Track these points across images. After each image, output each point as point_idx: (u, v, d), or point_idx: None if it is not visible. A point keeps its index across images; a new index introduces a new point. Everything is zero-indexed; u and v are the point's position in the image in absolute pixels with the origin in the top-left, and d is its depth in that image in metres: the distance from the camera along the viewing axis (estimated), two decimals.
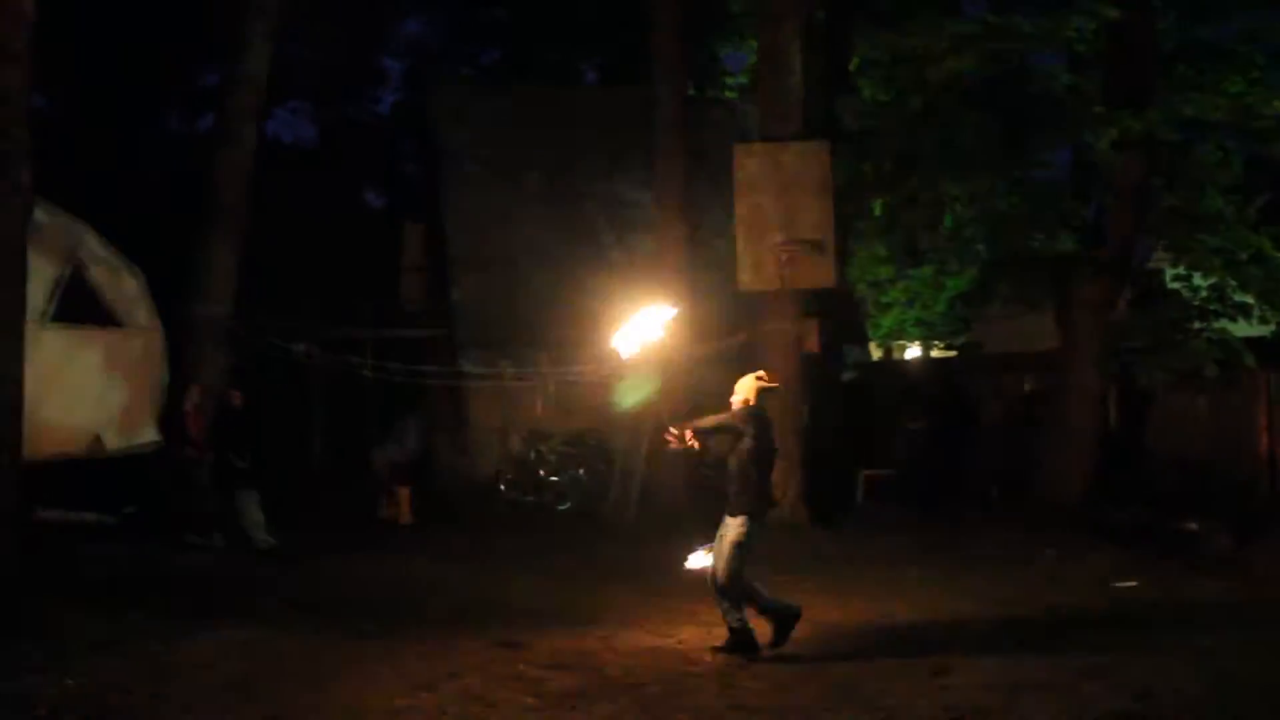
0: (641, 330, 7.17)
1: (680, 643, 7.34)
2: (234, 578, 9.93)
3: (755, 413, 7.00)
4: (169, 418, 11.69)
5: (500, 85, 19.26)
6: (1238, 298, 11.90)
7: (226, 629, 7.66)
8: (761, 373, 7.21)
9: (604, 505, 13.77)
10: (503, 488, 15.11)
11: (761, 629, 6.95)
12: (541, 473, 14.97)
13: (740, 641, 6.88)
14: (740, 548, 6.84)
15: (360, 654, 7.04)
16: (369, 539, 12.20)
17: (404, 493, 13.47)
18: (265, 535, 11.47)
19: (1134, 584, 9.09)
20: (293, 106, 25.63)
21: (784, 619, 6.96)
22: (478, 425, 16.21)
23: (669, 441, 7.20)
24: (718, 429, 7.08)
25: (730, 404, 7.10)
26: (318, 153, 26.27)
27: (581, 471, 14.93)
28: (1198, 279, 12.01)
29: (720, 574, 6.86)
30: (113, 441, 11.27)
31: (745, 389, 7.09)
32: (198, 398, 11.77)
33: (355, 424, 17.96)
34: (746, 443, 6.91)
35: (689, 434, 7.06)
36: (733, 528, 6.90)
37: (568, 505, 14.48)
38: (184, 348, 12.50)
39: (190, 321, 12.59)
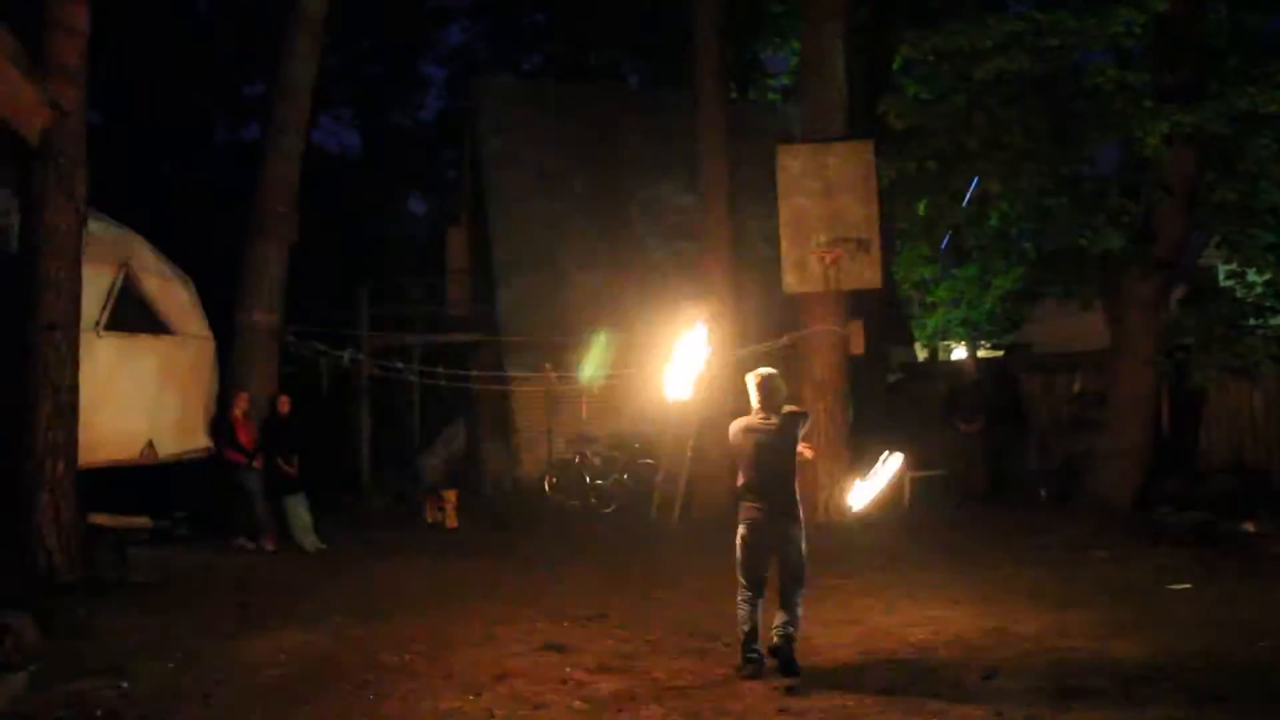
0: (686, 364, 6.91)
1: (727, 645, 7.31)
2: (283, 581, 10.05)
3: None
4: (219, 424, 11.85)
5: (543, 89, 19.31)
6: None
7: (276, 633, 7.75)
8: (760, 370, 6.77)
9: (649, 508, 13.77)
10: (548, 491, 15.18)
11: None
12: (587, 476, 15.01)
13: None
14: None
15: (408, 656, 7.10)
16: (416, 543, 12.30)
17: (450, 497, 13.57)
18: (314, 539, 11.62)
19: (1188, 586, 8.91)
20: (337, 114, 25.93)
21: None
22: (523, 429, 16.30)
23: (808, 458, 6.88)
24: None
25: (782, 407, 6.67)
26: (362, 160, 26.55)
27: (626, 475, 14.96)
28: (1252, 275, 11.78)
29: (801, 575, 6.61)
30: (165, 448, 11.44)
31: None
32: (246, 404, 11.93)
33: (402, 429, 18.15)
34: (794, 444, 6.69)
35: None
36: (800, 532, 6.60)
37: (613, 508, 14.51)
38: (233, 355, 12.67)
39: (239, 329, 12.76)
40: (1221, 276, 12.97)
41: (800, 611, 6.60)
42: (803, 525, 6.65)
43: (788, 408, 6.71)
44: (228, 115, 24.39)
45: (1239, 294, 11.81)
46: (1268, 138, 11.55)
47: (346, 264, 20.78)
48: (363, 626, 8.02)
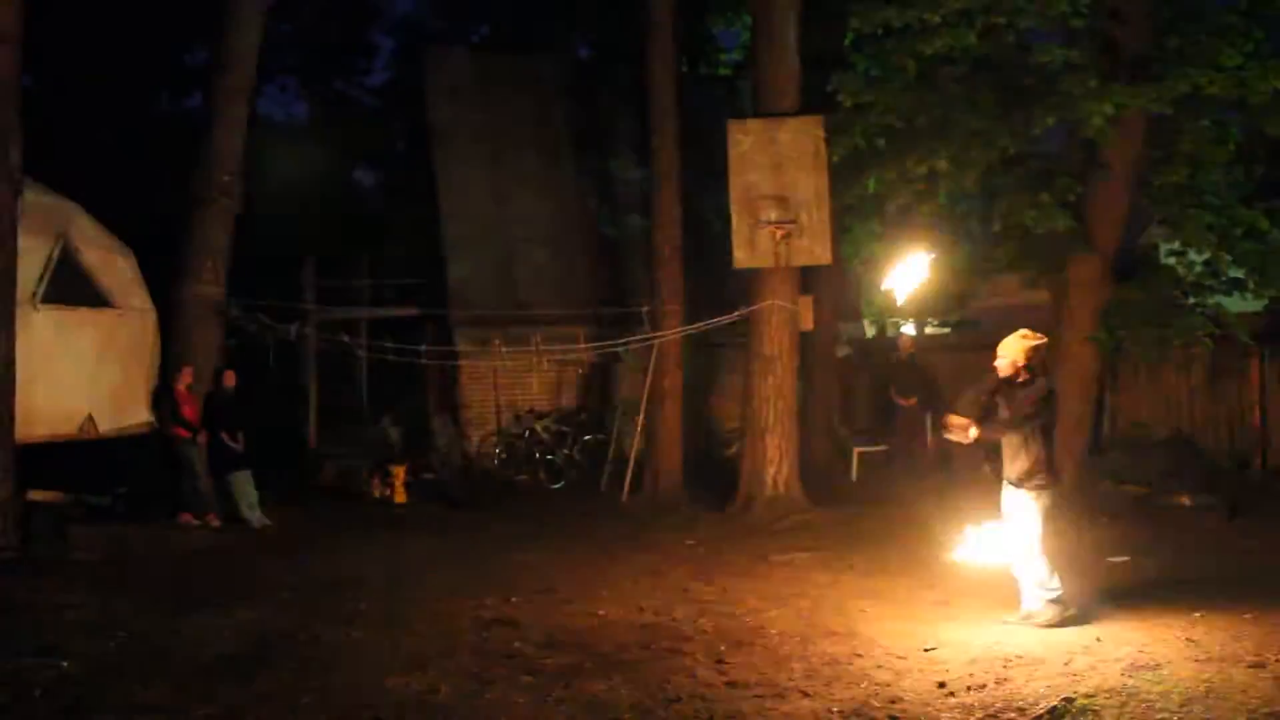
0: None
1: (674, 620, 7.35)
2: (228, 558, 9.95)
3: (1038, 378, 6.88)
4: (161, 398, 11.65)
5: (493, 61, 19.08)
6: (1231, 273, 11.86)
7: (220, 610, 7.67)
8: (1026, 331, 7.01)
9: (599, 484, 13.78)
10: (497, 466, 15.14)
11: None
12: (536, 452, 14.98)
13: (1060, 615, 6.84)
14: (1044, 521, 6.86)
15: (354, 633, 7.06)
16: (363, 518, 12.23)
17: (398, 472, 13.47)
18: (260, 515, 11.50)
19: (1126, 559, 9.10)
20: (282, 83, 25.45)
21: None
22: (472, 404, 16.22)
23: (950, 431, 7.03)
24: (994, 392, 6.94)
25: (999, 370, 6.93)
26: (308, 130, 26.11)
27: (576, 450, 14.95)
28: (1192, 255, 11.96)
29: (1027, 550, 6.87)
30: (106, 423, 11.25)
31: (1014, 352, 6.90)
32: (190, 378, 11.74)
33: (350, 404, 17.98)
34: (1029, 411, 6.79)
35: (971, 427, 6.88)
36: (1023, 503, 6.85)
37: (562, 484, 14.50)
38: (176, 328, 12.46)
39: (182, 301, 12.54)
40: (1163, 255, 13.17)
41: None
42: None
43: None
44: (170, 83, 23.85)
45: (1180, 272, 12.00)
46: (1208, 119, 11.71)
47: (293, 236, 20.46)
48: (308, 603, 7.97)
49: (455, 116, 17.79)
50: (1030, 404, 6.85)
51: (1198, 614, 7.09)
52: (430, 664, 6.28)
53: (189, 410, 11.56)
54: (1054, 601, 6.89)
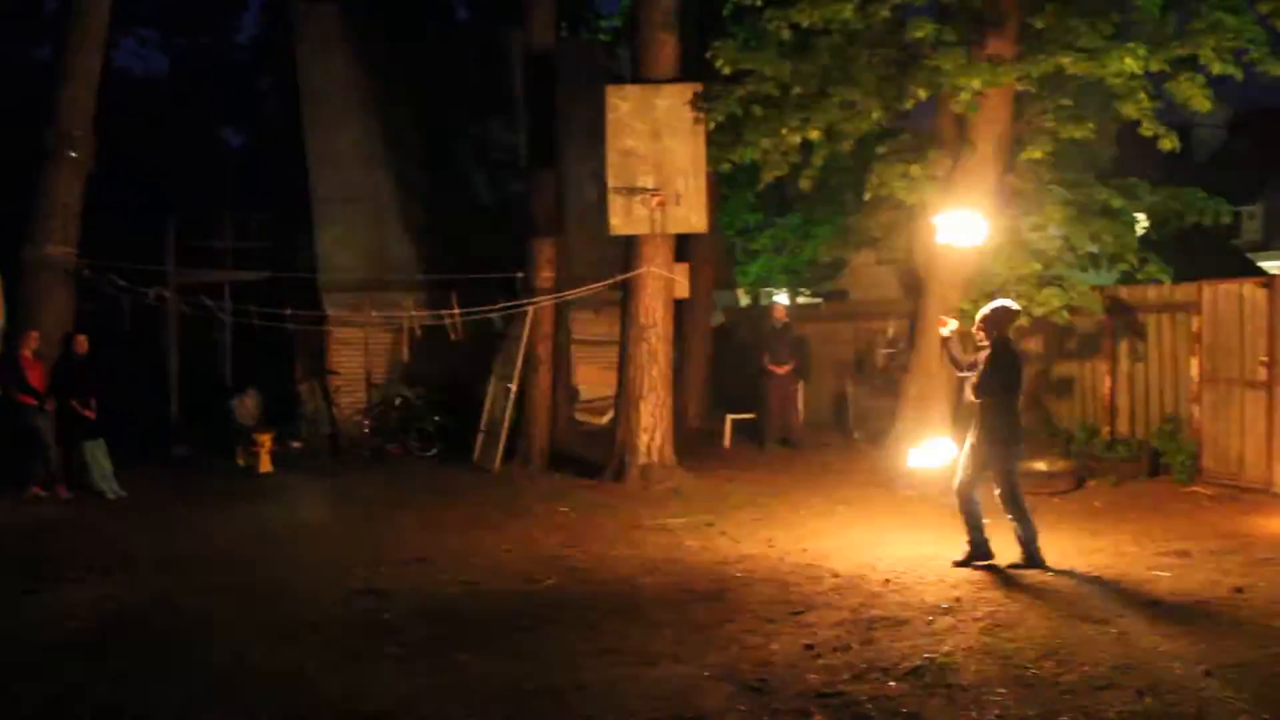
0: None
1: (547, 588, 7.32)
2: (81, 532, 9.50)
3: (1008, 341, 7.60)
4: (7, 365, 11.02)
5: (366, 19, 18.53)
6: (1087, 248, 12.35)
7: (73, 586, 7.36)
8: (1005, 301, 7.80)
9: (472, 452, 13.63)
10: (367, 434, 14.83)
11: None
12: (407, 420, 14.71)
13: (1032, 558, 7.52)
14: (1010, 473, 7.53)
15: (217, 608, 6.83)
16: (226, 488, 11.84)
17: (264, 440, 13.07)
18: (115, 486, 11.03)
19: (986, 522, 9.39)
20: (142, 35, 24.27)
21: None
22: (342, 371, 15.85)
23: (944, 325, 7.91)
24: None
25: (975, 337, 7.62)
26: (170, 86, 25.00)
27: (448, 418, 14.72)
28: (1051, 229, 12.39)
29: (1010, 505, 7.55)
30: None
31: (987, 313, 7.59)
32: (36, 344, 11.16)
33: (214, 370, 17.36)
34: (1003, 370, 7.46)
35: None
36: (993, 462, 7.51)
37: (434, 452, 14.29)
38: (22, 291, 11.81)
39: (29, 263, 11.88)
40: (1024, 229, 13.61)
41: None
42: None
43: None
44: (18, 33, 22.52)
45: (1039, 247, 12.42)
46: (1068, 98, 12.12)
47: (152, 195, 19.60)
48: (166, 577, 7.68)
49: (326, 75, 17.24)
50: (985, 362, 7.49)
51: (1050, 573, 7.39)
52: (296, 637, 6.11)
53: (35, 377, 10.99)
54: (1033, 546, 7.57)
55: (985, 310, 7.67)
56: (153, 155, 20.82)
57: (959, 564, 7.61)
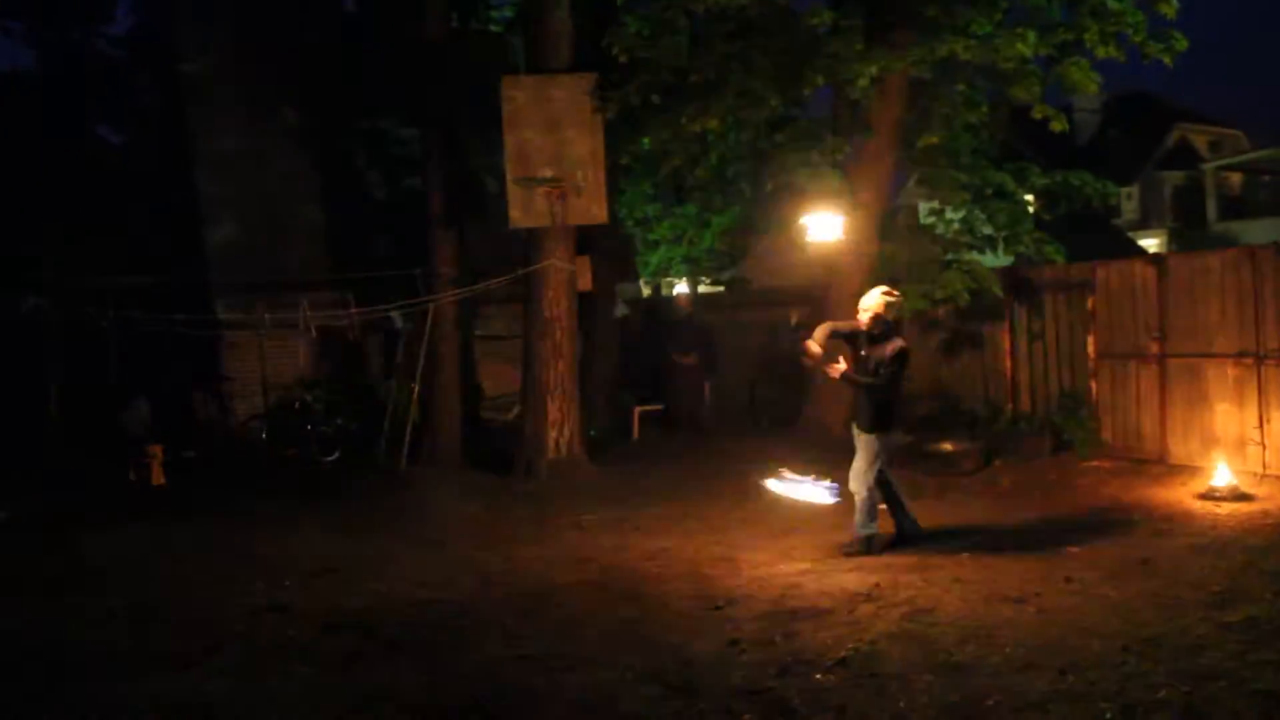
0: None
1: (460, 594, 7.10)
2: None
3: (894, 335, 7.60)
4: None
5: (248, 10, 17.86)
6: (985, 231, 12.55)
7: None
8: (886, 287, 7.75)
9: (375, 455, 13.26)
10: (265, 440, 14.32)
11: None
12: (306, 424, 14.24)
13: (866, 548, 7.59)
14: (874, 461, 7.56)
15: (106, 634, 6.44)
16: (117, 504, 11.25)
17: (155, 451, 12.50)
18: None
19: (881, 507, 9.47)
20: (5, 27, 23.03)
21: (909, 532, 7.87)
22: (236, 376, 15.29)
23: (810, 355, 7.50)
24: (849, 338, 7.70)
25: (860, 323, 7.59)
26: (37, 81, 23.80)
27: (350, 421, 14.32)
28: (949, 213, 12.57)
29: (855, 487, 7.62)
30: None
31: (875, 305, 7.56)
32: None
33: (99, 380, 16.58)
34: (893, 369, 7.49)
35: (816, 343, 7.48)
36: (865, 444, 7.56)
37: (336, 455, 13.87)
38: None
39: None
40: (923, 214, 13.81)
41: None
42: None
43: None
44: None
45: (939, 230, 12.59)
46: (962, 84, 12.29)
47: (24, 199, 18.65)
48: (53, 602, 7.23)
49: (208, 69, 16.59)
50: (890, 361, 7.52)
51: (964, 554, 7.45)
52: (194, 661, 5.79)
53: None
54: (866, 538, 7.64)
55: (870, 302, 7.64)
56: (21, 156, 19.80)
57: (888, 547, 7.68)
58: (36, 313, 13.59)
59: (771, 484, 8.16)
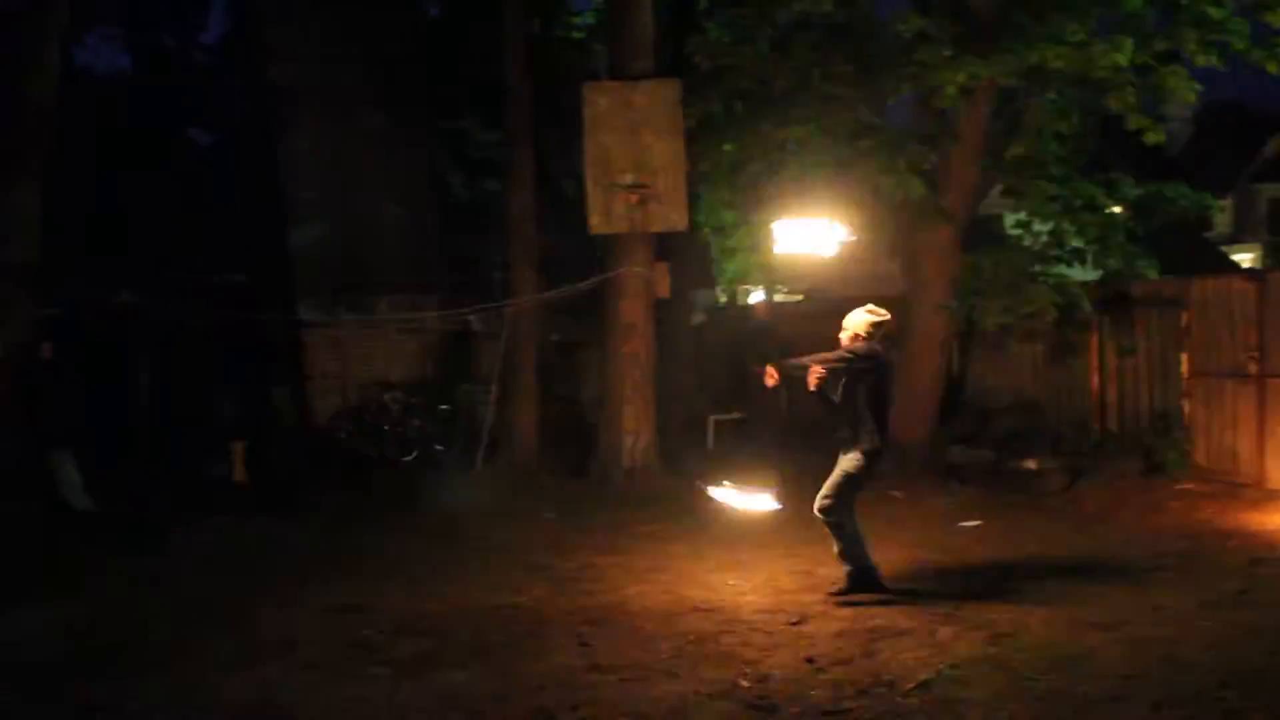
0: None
1: (533, 600, 7.07)
2: (52, 546, 9.15)
3: (872, 349, 6.86)
4: None
5: (335, 15, 18.17)
6: (1073, 244, 12.22)
7: (44, 604, 7.04)
8: (871, 306, 7.04)
9: (451, 456, 13.35)
10: (344, 439, 14.50)
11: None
12: (384, 424, 14.40)
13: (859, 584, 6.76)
14: (850, 481, 6.79)
15: (193, 626, 6.54)
16: (200, 499, 11.47)
17: (238, 449, 12.72)
18: (85, 498, 10.66)
19: (978, 523, 9.26)
20: (105, 33, 23.74)
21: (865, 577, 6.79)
22: (317, 376, 15.51)
23: (764, 378, 6.98)
24: (832, 365, 6.84)
25: (840, 341, 6.95)
26: (134, 85, 24.48)
27: (427, 422, 14.43)
28: (1037, 225, 12.27)
29: (821, 503, 6.80)
30: None
31: (856, 325, 6.93)
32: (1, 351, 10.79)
33: (186, 377, 16.95)
34: (867, 379, 6.80)
35: (813, 373, 6.80)
36: (847, 462, 6.81)
37: (412, 456, 13.98)
38: None
39: None
40: (1009, 226, 13.48)
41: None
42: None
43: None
44: None
45: (1025, 243, 12.30)
46: (1052, 93, 12.00)
47: (118, 198, 19.17)
48: (136, 595, 7.37)
49: (296, 74, 16.88)
50: (865, 379, 6.83)
51: (1048, 578, 7.22)
52: (272, 658, 5.83)
53: None
54: (855, 573, 6.78)
55: (853, 321, 6.95)
56: (116, 156, 20.35)
57: (836, 594, 6.78)
58: (127, 308, 13.89)
59: (714, 491, 7.85)
